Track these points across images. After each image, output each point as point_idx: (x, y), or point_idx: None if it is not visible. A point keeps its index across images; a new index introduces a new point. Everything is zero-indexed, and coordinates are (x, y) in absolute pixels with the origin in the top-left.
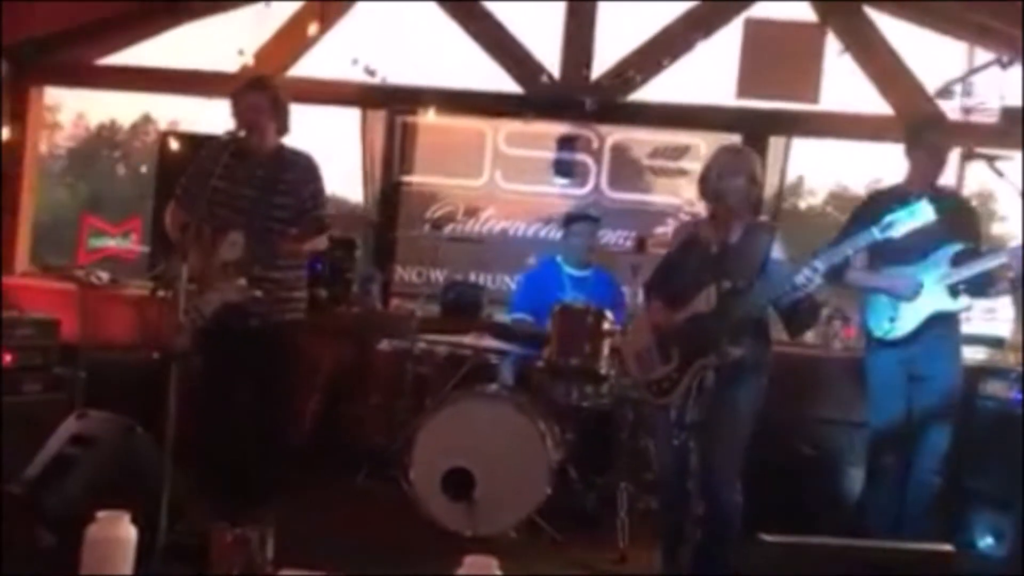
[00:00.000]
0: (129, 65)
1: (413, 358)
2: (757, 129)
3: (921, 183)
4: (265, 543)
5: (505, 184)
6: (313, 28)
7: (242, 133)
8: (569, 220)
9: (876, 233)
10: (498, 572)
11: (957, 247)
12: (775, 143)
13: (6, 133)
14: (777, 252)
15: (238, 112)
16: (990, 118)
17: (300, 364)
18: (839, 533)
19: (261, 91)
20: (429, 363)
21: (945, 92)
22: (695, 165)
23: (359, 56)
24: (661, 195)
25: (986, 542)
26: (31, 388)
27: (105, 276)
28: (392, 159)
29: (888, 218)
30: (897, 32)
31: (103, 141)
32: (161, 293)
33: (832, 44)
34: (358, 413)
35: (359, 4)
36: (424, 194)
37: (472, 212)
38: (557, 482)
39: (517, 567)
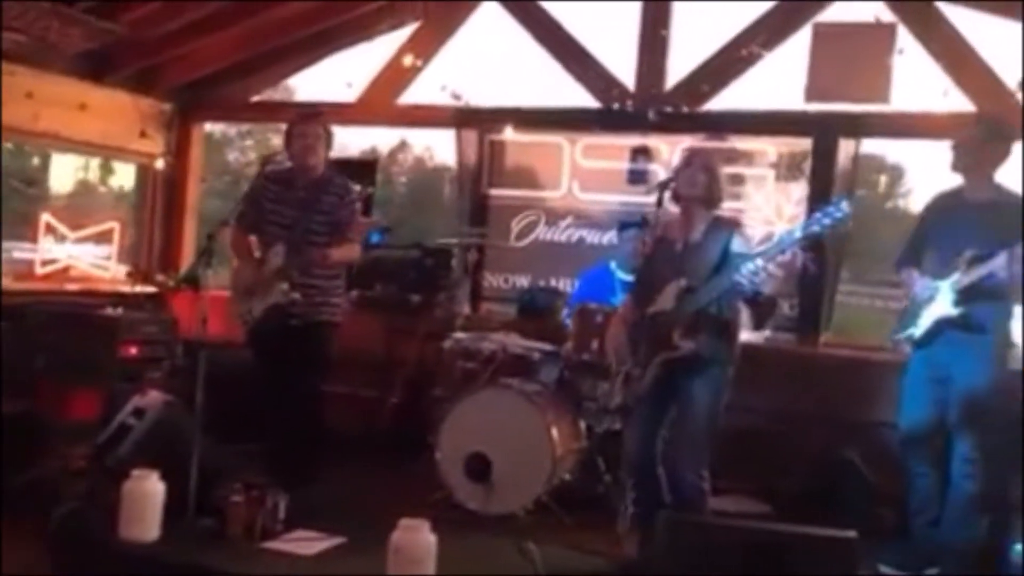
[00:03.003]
0: (270, 101)
1: (463, 354)
2: (826, 132)
3: (971, 184)
4: (277, 506)
5: (582, 194)
6: (408, 59)
7: (279, 159)
8: (622, 226)
9: (798, 232)
10: (430, 535)
11: (975, 250)
12: (845, 145)
13: (162, 164)
14: (740, 247)
15: (296, 138)
16: None
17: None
18: None
19: (316, 121)
20: (476, 359)
21: None
22: (765, 171)
23: (448, 83)
24: (730, 201)
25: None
26: (153, 376)
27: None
28: (481, 174)
29: (815, 216)
30: (973, 25)
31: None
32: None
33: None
34: (425, 405)
35: (455, 38)
36: (510, 206)
37: (553, 221)
38: (579, 470)
39: (516, 542)
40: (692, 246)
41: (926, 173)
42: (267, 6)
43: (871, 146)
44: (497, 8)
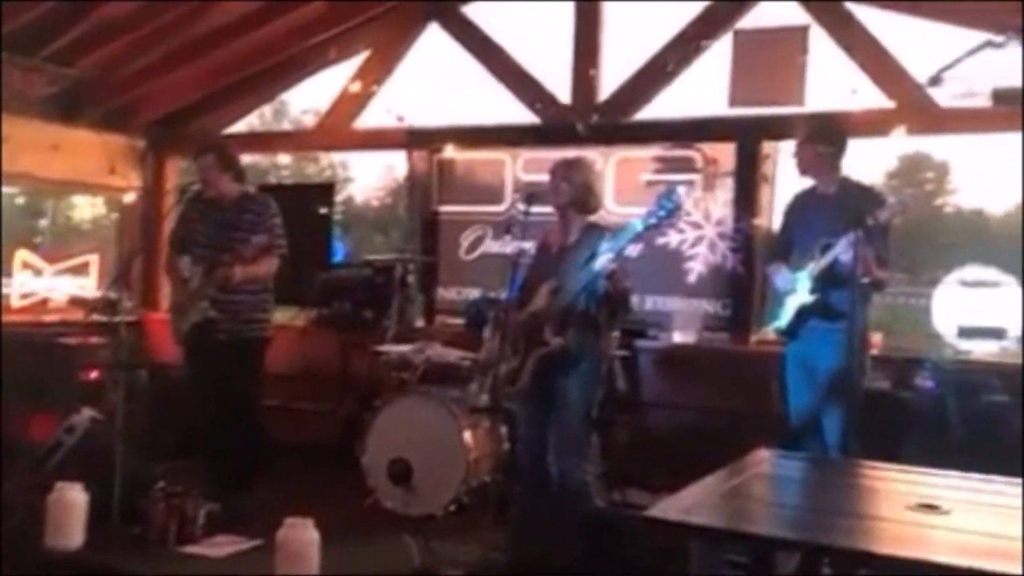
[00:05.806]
0: (240, 132)
1: (397, 365)
2: (749, 136)
3: (817, 179)
4: (197, 512)
5: (524, 207)
6: (356, 86)
7: (195, 187)
8: None
9: (638, 225)
10: (313, 532)
11: (828, 239)
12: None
13: (131, 197)
14: (608, 249)
15: (197, 172)
16: (982, 102)
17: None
18: None
19: (207, 153)
20: (408, 369)
21: (936, 80)
22: (694, 176)
23: (392, 106)
24: None
25: None
26: (112, 398)
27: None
28: (431, 192)
29: (648, 210)
30: (885, 24)
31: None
32: (94, 316)
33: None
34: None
35: (403, 65)
36: (458, 221)
37: (498, 234)
38: (503, 471)
39: (430, 541)
40: (566, 250)
41: (972, 169)
42: (219, 44)
43: (917, 144)
44: (437, 31)
